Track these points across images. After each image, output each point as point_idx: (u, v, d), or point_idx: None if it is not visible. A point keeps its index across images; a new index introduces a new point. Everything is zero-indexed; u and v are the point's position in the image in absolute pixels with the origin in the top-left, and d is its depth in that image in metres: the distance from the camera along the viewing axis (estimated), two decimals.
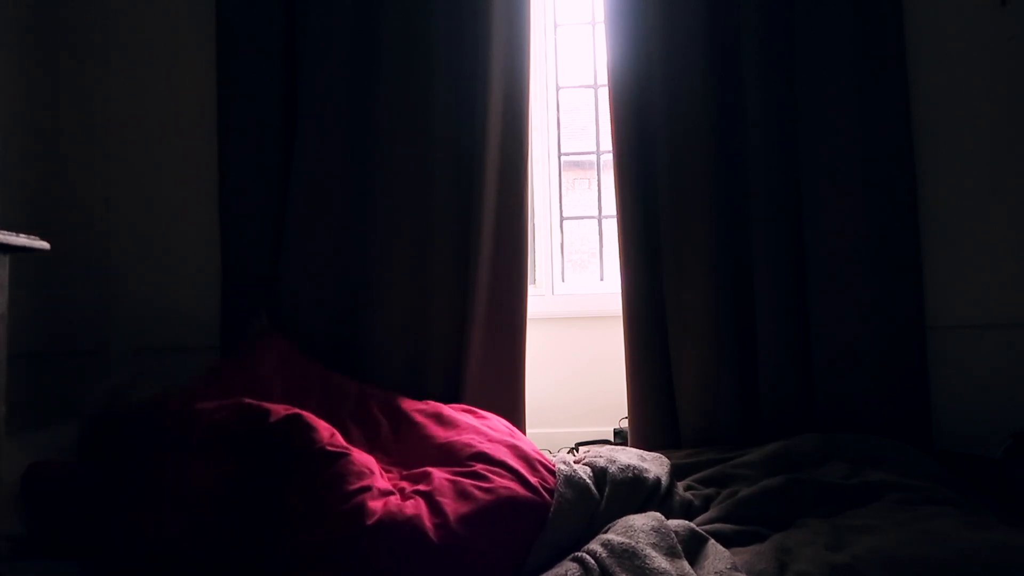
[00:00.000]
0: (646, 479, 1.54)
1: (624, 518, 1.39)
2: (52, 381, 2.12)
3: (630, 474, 1.52)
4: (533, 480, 1.41)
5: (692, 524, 1.38)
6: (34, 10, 2.10)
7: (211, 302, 2.25)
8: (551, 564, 1.27)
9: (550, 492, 1.41)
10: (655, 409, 2.10)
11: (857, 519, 1.44)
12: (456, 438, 1.59)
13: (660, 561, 1.19)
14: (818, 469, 1.73)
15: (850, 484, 1.63)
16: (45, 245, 1.29)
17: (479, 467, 1.45)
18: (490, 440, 1.56)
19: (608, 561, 1.19)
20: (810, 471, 1.72)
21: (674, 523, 1.37)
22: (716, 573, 1.19)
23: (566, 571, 1.20)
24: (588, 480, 1.46)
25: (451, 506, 1.31)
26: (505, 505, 1.35)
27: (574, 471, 1.47)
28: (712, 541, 1.31)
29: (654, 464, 1.63)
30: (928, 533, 1.30)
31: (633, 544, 1.22)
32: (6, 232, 1.20)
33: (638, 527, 1.30)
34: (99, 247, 2.32)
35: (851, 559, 1.21)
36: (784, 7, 2.12)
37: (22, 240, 1.24)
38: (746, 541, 1.43)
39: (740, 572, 1.20)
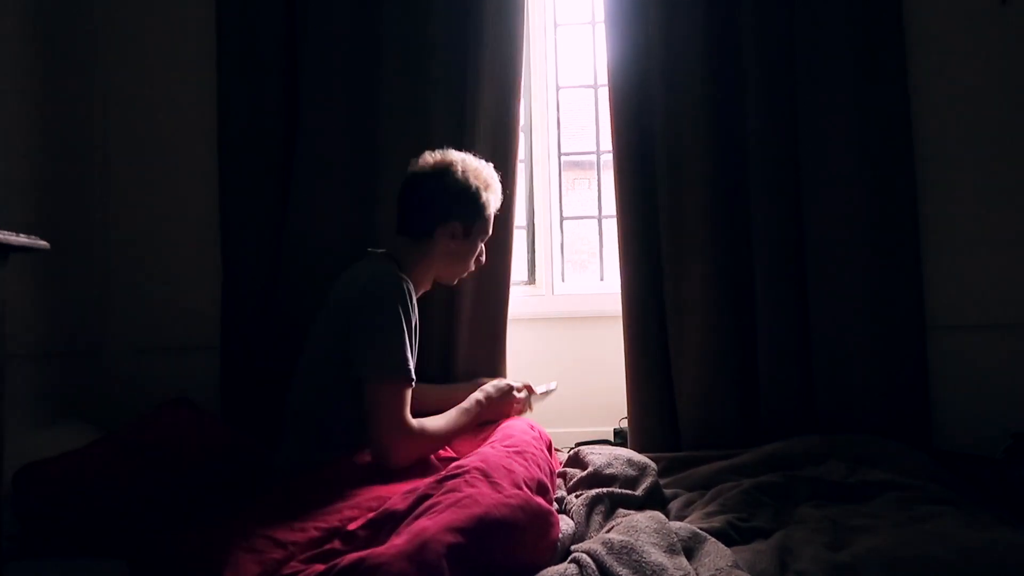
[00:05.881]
0: (633, 498, 1.59)
1: (628, 517, 1.40)
2: (52, 381, 2.12)
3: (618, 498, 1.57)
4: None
5: (693, 526, 1.38)
6: (34, 10, 2.10)
7: (211, 302, 2.25)
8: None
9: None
10: (655, 409, 2.11)
11: (857, 518, 1.44)
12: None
13: (658, 556, 1.20)
14: (816, 468, 1.73)
15: (849, 483, 1.64)
16: (45, 245, 1.29)
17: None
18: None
19: (607, 559, 1.19)
20: (808, 470, 1.72)
21: (675, 524, 1.38)
22: (717, 570, 1.19)
23: (564, 570, 1.20)
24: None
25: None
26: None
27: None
28: (713, 540, 1.32)
29: (643, 474, 1.68)
30: (928, 533, 1.31)
31: (633, 542, 1.23)
32: (6, 232, 1.20)
33: (641, 527, 1.30)
34: (99, 247, 2.32)
35: (851, 558, 1.21)
36: (784, 6, 2.12)
37: (22, 240, 1.23)
38: (745, 537, 1.43)
39: (740, 570, 1.20)
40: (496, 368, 2.15)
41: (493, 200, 1.90)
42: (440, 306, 2.14)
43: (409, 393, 1.65)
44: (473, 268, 1.95)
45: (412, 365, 1.66)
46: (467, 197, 1.83)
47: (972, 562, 1.17)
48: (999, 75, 2.15)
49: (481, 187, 1.85)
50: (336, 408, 1.68)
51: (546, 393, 2.05)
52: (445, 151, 1.88)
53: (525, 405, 1.97)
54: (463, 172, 1.84)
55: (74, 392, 2.21)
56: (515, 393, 1.93)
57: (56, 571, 1.35)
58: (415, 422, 1.64)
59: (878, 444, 1.82)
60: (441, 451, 1.78)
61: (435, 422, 1.70)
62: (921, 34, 2.15)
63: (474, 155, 1.91)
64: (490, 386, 1.91)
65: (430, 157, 1.87)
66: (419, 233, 1.84)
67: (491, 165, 1.93)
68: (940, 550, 1.20)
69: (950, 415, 2.08)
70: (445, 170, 1.84)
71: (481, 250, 1.94)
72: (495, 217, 1.95)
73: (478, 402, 1.84)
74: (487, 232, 1.92)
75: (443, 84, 2.19)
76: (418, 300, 1.80)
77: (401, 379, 1.63)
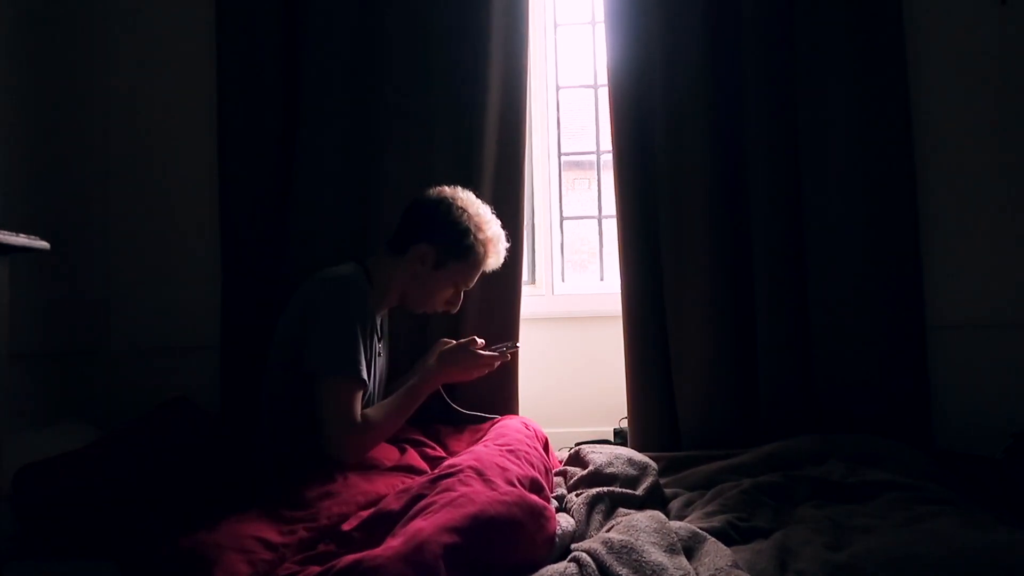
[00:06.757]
0: (633, 498, 1.60)
1: (629, 516, 1.40)
2: (52, 381, 2.12)
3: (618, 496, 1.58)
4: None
5: (692, 526, 1.39)
6: (34, 9, 2.10)
7: (211, 302, 2.25)
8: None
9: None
10: (655, 409, 2.11)
11: (856, 518, 1.45)
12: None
13: (658, 555, 1.20)
14: (816, 468, 1.73)
15: (849, 483, 1.64)
16: (45, 245, 1.29)
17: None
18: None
19: (607, 558, 1.19)
20: (808, 470, 1.72)
21: (675, 524, 1.38)
22: (716, 570, 1.19)
23: (564, 569, 1.20)
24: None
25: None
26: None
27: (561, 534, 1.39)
28: (712, 539, 1.32)
29: (644, 473, 1.69)
30: (927, 533, 1.31)
31: (633, 541, 1.23)
32: (6, 232, 1.20)
33: (641, 526, 1.31)
34: (99, 247, 2.32)
35: (850, 558, 1.21)
36: (784, 6, 2.12)
37: (22, 240, 1.23)
38: (745, 537, 1.43)
39: (740, 570, 1.20)
40: (507, 370, 2.11)
41: (483, 253, 1.87)
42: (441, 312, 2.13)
43: (359, 391, 1.66)
44: (439, 309, 1.93)
45: (363, 365, 1.67)
46: (452, 230, 1.83)
47: (971, 562, 1.17)
48: (999, 74, 2.15)
49: (474, 231, 1.84)
50: (297, 402, 1.70)
51: (514, 348, 1.97)
52: (466, 191, 1.91)
53: (493, 360, 1.86)
54: (460, 209, 1.85)
55: (74, 392, 2.21)
56: (474, 349, 1.85)
57: (55, 571, 1.35)
58: (361, 417, 1.65)
59: (878, 444, 1.82)
60: (430, 451, 1.79)
61: (378, 412, 1.71)
62: (921, 34, 2.15)
63: (478, 194, 1.93)
64: (446, 351, 1.87)
65: (447, 189, 1.90)
66: (395, 247, 1.87)
67: (499, 223, 1.91)
68: (940, 550, 1.20)
69: (950, 415, 2.08)
70: (444, 199, 1.87)
71: (459, 296, 1.92)
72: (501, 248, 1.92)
73: (425, 375, 1.81)
74: (465, 279, 1.90)
75: (448, 82, 2.18)
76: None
77: (350, 375, 1.65)
